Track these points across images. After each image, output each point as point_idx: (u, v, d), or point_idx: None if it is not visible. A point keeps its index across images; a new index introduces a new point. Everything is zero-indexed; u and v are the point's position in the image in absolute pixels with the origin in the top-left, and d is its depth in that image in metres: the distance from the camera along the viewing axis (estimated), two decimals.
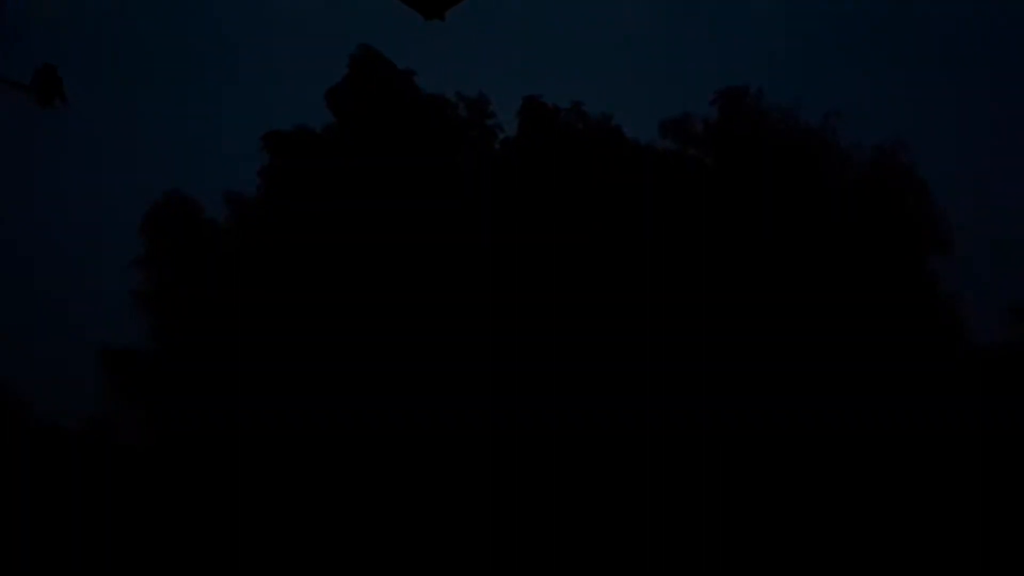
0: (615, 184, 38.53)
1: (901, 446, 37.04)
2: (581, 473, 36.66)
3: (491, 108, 40.02)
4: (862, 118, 40.57)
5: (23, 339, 43.71)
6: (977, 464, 36.82)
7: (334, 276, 37.39)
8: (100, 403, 40.49)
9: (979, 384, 37.73)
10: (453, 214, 37.39)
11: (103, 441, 40.11)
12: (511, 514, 36.35)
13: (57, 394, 41.56)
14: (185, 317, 39.59)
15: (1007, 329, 39.33)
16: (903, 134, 40.41)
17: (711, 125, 39.81)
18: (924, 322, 38.69)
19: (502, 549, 36.24)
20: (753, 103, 39.84)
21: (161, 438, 39.50)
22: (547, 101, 39.83)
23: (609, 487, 36.72)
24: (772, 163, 38.91)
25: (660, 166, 38.86)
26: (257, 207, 38.57)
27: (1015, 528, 36.14)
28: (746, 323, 37.65)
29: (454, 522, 36.64)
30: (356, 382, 36.95)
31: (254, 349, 37.91)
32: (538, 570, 36.12)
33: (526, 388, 36.60)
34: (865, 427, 37.09)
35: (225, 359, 38.12)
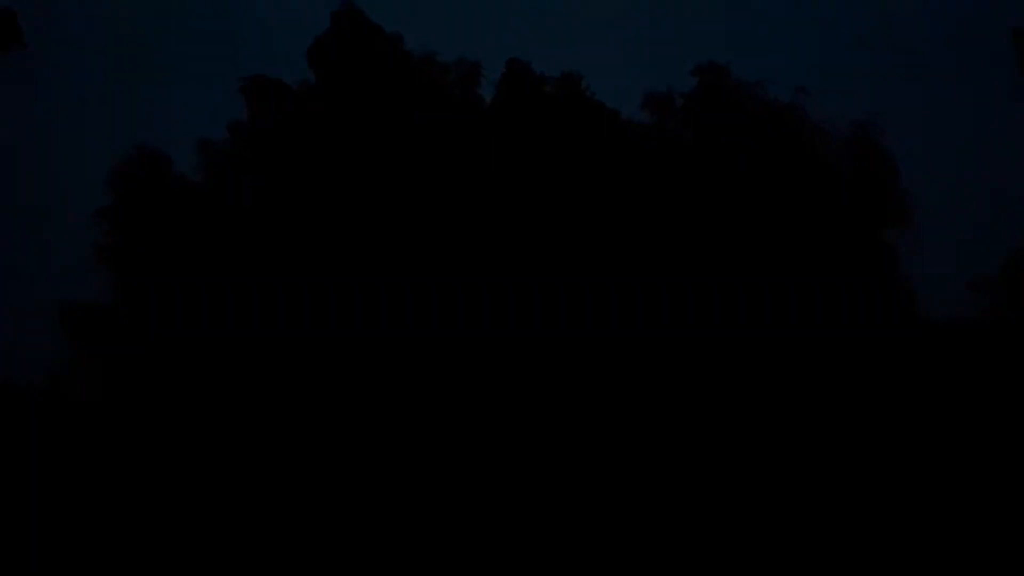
0: (594, 154, 38.86)
1: (860, 418, 37.62)
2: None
3: (481, 73, 40.18)
4: (832, 94, 41.20)
5: None
6: (933, 438, 37.47)
7: (304, 238, 37.42)
8: (59, 358, 40.15)
9: (936, 358, 38.42)
10: (431, 176, 37.48)
11: (60, 397, 39.81)
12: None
13: (14, 349, 41.28)
14: (150, 271, 39.35)
15: (966, 304, 40.09)
16: (869, 110, 41.12)
17: (690, 100, 40.30)
18: (883, 296, 39.34)
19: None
20: (729, 80, 40.38)
21: (120, 393, 39.25)
22: (532, 69, 40.07)
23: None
24: (745, 137, 39.47)
25: (639, 139, 39.29)
26: (229, 158, 38.31)
27: (969, 503, 36.79)
28: (711, 296, 38.17)
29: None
30: (323, 344, 37.03)
31: (221, 305, 37.89)
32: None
33: (498, 354, 36.89)
34: (823, 398, 37.64)
35: (190, 313, 38.07)
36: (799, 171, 40.08)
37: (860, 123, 40.85)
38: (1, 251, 45.44)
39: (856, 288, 38.76)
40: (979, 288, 40.19)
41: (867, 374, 37.58)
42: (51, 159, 45.38)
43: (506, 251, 37.09)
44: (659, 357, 37.31)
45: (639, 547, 36.07)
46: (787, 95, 41.11)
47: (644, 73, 43.05)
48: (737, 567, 35.95)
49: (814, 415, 37.25)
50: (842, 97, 43.44)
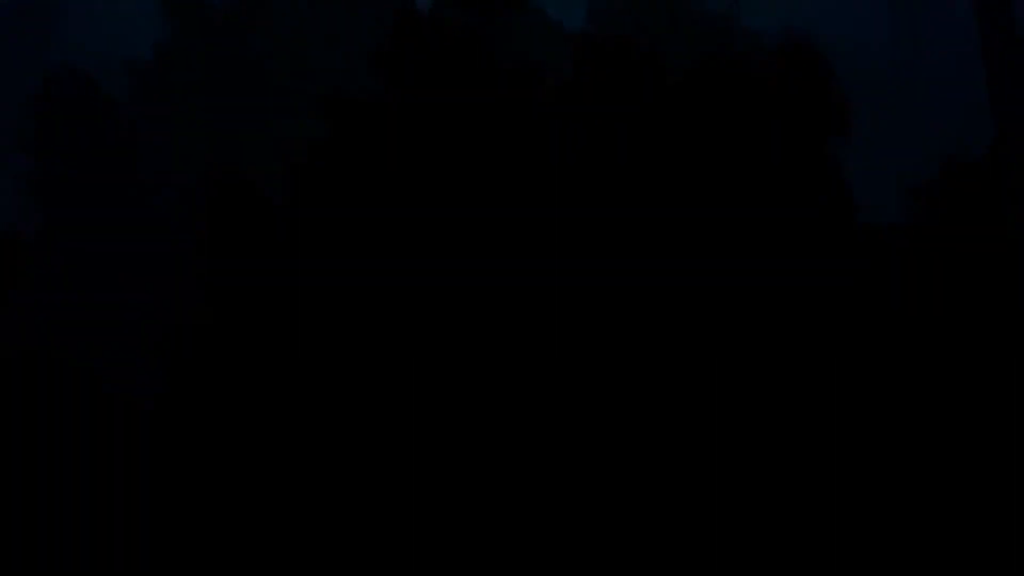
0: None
1: (798, 324, 37.65)
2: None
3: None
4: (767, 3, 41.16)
5: None
6: (869, 342, 37.62)
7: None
8: None
9: (873, 264, 38.56)
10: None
11: None
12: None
13: None
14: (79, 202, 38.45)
15: (905, 211, 40.23)
16: (805, 18, 41.07)
17: (632, 10, 40.08)
18: (822, 203, 39.36)
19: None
20: None
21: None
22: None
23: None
24: (680, 47, 39.28)
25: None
26: (159, 78, 37.30)
27: (889, 412, 36.99)
28: (646, 206, 37.90)
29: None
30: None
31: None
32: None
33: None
34: (763, 309, 37.62)
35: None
36: (734, 81, 39.88)
37: (793, 31, 40.75)
38: None
39: (796, 195, 38.77)
40: (918, 195, 40.29)
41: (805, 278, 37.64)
42: None
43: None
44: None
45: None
46: (722, 4, 41.09)
47: None
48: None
49: (753, 318, 37.28)
50: (777, 7, 43.36)
